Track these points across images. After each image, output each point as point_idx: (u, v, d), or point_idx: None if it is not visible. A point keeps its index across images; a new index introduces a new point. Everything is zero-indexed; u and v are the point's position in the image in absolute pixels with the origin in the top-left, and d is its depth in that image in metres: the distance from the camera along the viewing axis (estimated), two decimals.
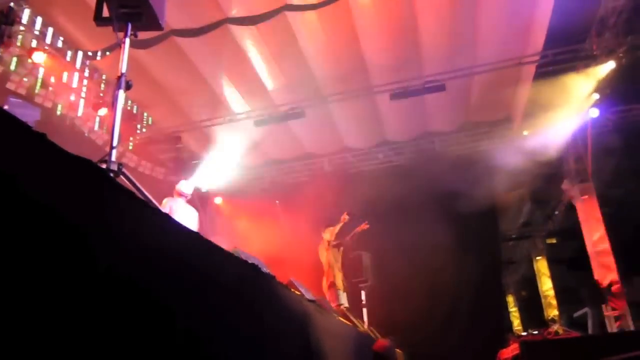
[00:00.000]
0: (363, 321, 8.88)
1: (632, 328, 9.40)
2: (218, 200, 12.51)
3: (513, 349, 7.09)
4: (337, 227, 8.50)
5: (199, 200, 10.66)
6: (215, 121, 10.46)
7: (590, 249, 10.39)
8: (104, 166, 2.85)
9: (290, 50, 8.65)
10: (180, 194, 6.48)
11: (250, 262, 3.02)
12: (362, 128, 11.20)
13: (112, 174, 2.83)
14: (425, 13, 8.04)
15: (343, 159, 12.01)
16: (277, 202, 11.53)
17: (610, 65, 8.94)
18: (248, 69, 9.08)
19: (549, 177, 10.89)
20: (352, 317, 7.80)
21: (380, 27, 8.25)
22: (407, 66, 9.00)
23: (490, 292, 10.57)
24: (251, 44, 8.56)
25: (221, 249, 2.44)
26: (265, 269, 3.27)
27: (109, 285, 1.42)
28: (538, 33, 8.57)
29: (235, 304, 2.45)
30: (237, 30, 8.25)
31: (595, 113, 9.84)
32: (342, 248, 8.69)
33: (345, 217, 8.53)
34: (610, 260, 10.10)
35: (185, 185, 6.61)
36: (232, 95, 9.86)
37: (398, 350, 8.58)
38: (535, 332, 9.34)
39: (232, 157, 11.21)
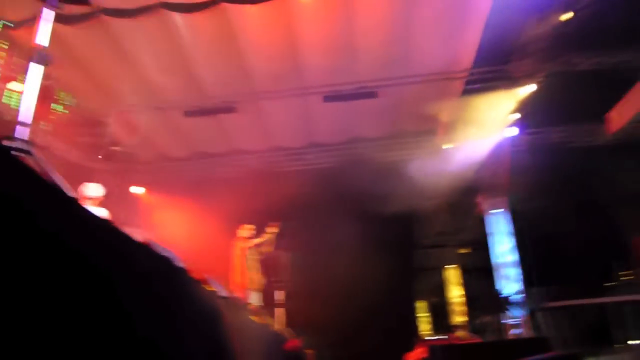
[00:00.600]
0: (278, 321, 8.89)
1: (529, 335, 10.08)
2: (140, 191, 12.06)
3: (418, 352, 7.40)
4: (261, 239, 8.39)
5: (118, 190, 10.22)
6: (143, 108, 10.08)
7: (497, 260, 11.05)
8: (10, 144, 2.66)
9: (227, 44, 8.51)
10: (86, 198, 5.49)
11: (163, 255, 2.95)
12: (293, 128, 11.23)
13: (18, 153, 2.64)
14: (363, 20, 8.19)
15: (272, 157, 11.97)
16: (201, 197, 11.28)
17: (530, 88, 9.55)
18: (181, 57, 8.84)
19: (465, 189, 11.44)
20: (265, 316, 7.79)
21: (319, 29, 8.32)
22: (341, 70, 9.13)
23: (403, 298, 10.96)
24: (186, 32, 8.33)
25: (132, 240, 2.36)
26: (178, 263, 3.20)
27: (7, 275, 1.32)
28: (468, 52, 9.01)
29: (143, 296, 2.37)
30: (172, 16, 8.00)
31: (513, 132, 10.49)
32: (259, 247, 8.61)
33: (271, 229, 8.44)
34: (514, 271, 10.80)
35: (91, 189, 5.60)
36: (162, 83, 9.54)
37: (310, 350, 8.69)
38: (442, 337, 9.77)
39: (158, 147, 10.83)
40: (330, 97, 9.31)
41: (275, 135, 11.47)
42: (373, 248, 9.71)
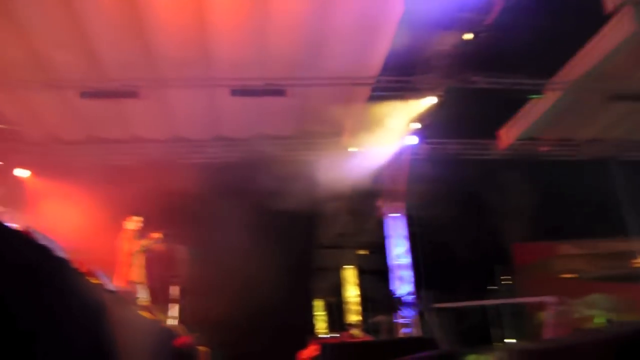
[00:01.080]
0: (171, 317, 8.58)
1: (417, 334, 10.59)
2: (24, 174, 11.09)
3: (311, 350, 7.50)
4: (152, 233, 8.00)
5: None
6: (34, 85, 9.25)
7: (392, 262, 11.49)
8: None
9: (132, 24, 8.05)
10: None
11: (41, 244, 2.73)
12: (198, 119, 10.91)
13: None
14: (277, 17, 8.14)
15: (173, 148, 11.53)
16: (93, 185, 10.59)
17: (431, 101, 10.03)
18: (80, 33, 8.22)
19: (366, 193, 11.80)
20: (156, 312, 7.49)
21: (231, 20, 8.14)
22: (251, 65, 9.01)
23: (301, 296, 11.04)
24: (87, 5, 7.76)
25: (5, 227, 2.15)
26: (59, 253, 2.98)
27: None
28: (377, 60, 9.27)
29: (16, 287, 2.16)
30: None
31: (413, 141, 10.97)
32: (148, 240, 8.21)
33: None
34: (407, 273, 11.29)
35: None
36: (57, 59, 8.80)
37: (203, 348, 8.48)
38: (336, 335, 9.98)
39: (49, 128, 10.03)
40: (237, 91, 9.16)
41: (178, 125, 11.07)
42: (273, 246, 9.69)
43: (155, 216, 8.04)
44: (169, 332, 7.27)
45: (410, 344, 7.81)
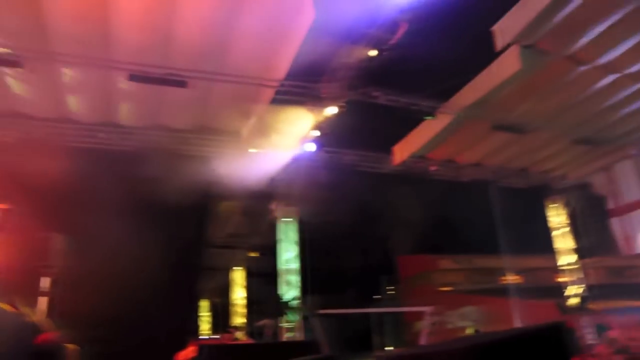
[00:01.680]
0: (39, 311, 7.93)
1: (301, 338, 10.71)
2: None
3: (189, 351, 7.30)
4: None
5: None
6: None
7: (281, 265, 11.54)
8: None
9: None
10: None
11: None
12: (91, 101, 10.23)
13: None
14: (187, 6, 7.87)
15: (61, 128, 10.71)
16: None
17: (332, 110, 10.25)
18: None
19: (261, 195, 11.78)
20: (17, 304, 6.87)
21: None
22: (154, 51, 8.62)
23: (185, 295, 10.70)
24: None
25: None
26: None
27: None
28: (283, 63, 9.29)
29: None
30: None
31: (311, 147, 11.13)
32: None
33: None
34: (295, 278, 11.40)
35: None
36: None
37: (72, 345, 7.90)
38: (217, 337, 9.80)
39: None
40: (136, 77, 8.72)
41: (68, 105, 10.29)
42: (159, 242, 9.29)
43: (25, 200, 7.40)
44: (32, 328, 6.70)
45: (292, 347, 7.85)
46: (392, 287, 26.93)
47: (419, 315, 15.18)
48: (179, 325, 10.24)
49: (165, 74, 8.83)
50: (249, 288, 15.67)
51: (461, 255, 24.97)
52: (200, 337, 11.65)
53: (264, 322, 12.10)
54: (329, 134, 11.16)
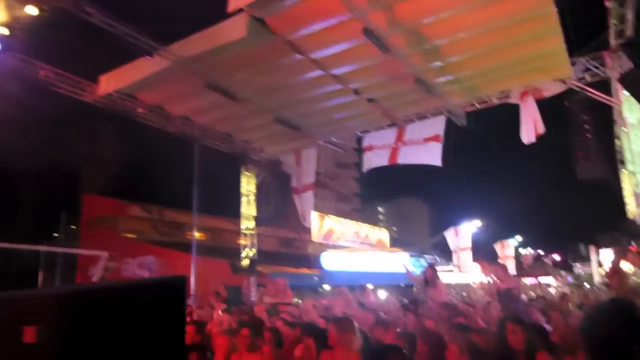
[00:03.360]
0: None
1: None
2: None
3: None
4: None
5: None
6: None
7: None
8: None
9: None
10: None
11: None
12: None
13: None
14: None
15: None
16: None
17: (31, 10, 8.66)
18: None
19: None
20: None
21: None
22: None
23: None
24: None
25: None
26: None
27: None
28: None
29: None
30: None
31: None
32: None
33: None
34: None
35: None
36: None
37: None
38: None
39: None
40: None
41: None
42: None
43: None
44: None
45: None
46: (73, 226, 24.98)
47: (95, 260, 14.39)
48: None
49: None
50: None
51: (152, 205, 24.80)
52: None
53: None
54: (24, 39, 9.41)
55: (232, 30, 9.44)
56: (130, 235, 23.81)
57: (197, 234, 17.18)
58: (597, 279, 27.75)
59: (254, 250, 16.57)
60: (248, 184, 16.57)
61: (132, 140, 14.10)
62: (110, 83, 11.27)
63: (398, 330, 5.07)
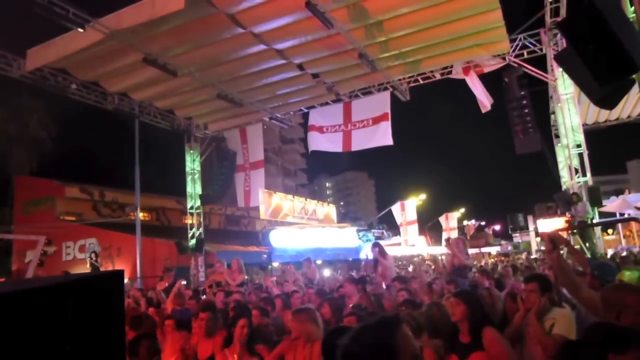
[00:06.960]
0: None
1: None
2: None
3: None
4: None
5: None
6: None
7: None
8: None
9: None
10: None
11: None
12: None
13: None
14: None
15: None
16: None
17: None
18: None
19: None
20: None
21: None
22: None
23: None
24: None
25: None
26: None
27: None
28: None
29: None
30: None
31: None
32: None
33: None
34: None
35: None
36: None
37: None
38: None
39: None
40: None
41: None
42: None
43: None
44: None
45: None
46: (6, 210, 23.79)
47: (32, 244, 13.74)
48: None
49: None
50: None
51: (91, 185, 23.85)
52: None
53: None
54: None
55: (170, 1, 9.02)
56: (69, 218, 22.87)
57: (141, 214, 16.70)
58: (534, 246, 29.18)
59: (201, 230, 16.32)
60: (193, 162, 16.20)
61: (68, 118, 13.40)
62: (39, 57, 10.58)
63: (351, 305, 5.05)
